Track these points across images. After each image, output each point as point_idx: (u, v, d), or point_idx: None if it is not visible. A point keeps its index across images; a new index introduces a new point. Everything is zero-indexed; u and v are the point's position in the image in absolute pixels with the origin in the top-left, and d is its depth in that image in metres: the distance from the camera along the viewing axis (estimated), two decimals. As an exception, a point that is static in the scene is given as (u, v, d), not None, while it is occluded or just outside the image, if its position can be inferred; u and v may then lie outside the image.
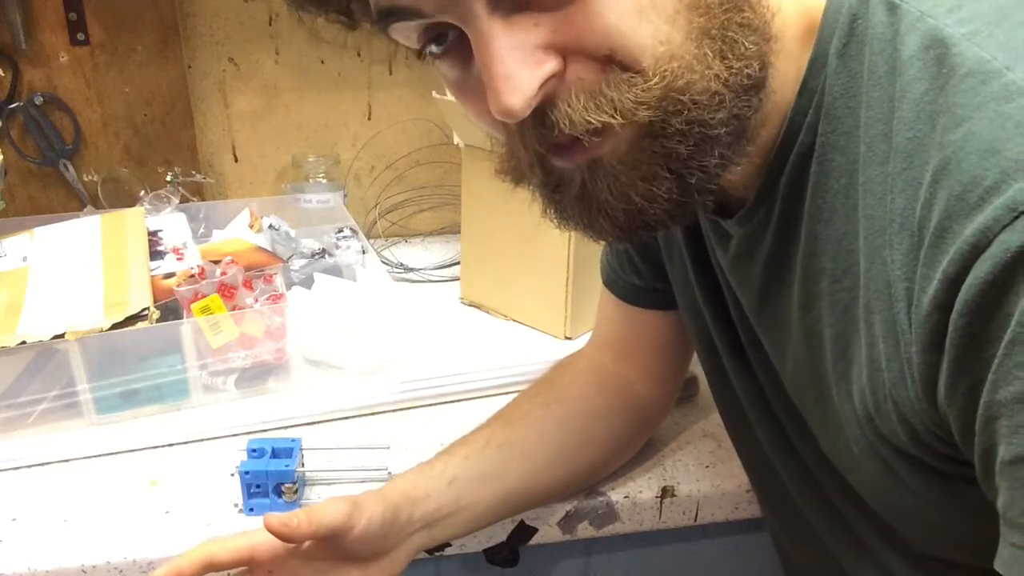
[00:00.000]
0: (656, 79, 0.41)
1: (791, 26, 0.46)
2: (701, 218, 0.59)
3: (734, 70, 0.42)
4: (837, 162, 0.46)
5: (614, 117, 0.42)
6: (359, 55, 1.25)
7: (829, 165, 0.46)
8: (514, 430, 0.72)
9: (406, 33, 0.45)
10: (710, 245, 0.60)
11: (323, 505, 0.60)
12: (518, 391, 0.88)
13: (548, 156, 0.46)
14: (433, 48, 0.45)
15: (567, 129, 0.42)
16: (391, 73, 1.27)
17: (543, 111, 0.43)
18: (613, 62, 0.41)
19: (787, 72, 0.46)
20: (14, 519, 0.74)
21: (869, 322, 0.44)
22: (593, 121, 0.42)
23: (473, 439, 0.72)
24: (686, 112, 0.42)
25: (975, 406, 0.38)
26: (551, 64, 0.41)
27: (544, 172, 0.47)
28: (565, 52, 0.42)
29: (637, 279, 0.74)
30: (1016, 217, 0.35)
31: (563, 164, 0.46)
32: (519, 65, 0.41)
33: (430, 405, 0.92)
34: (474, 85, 0.45)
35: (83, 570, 0.70)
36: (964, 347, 0.38)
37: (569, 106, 0.42)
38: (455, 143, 1.08)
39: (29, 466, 0.81)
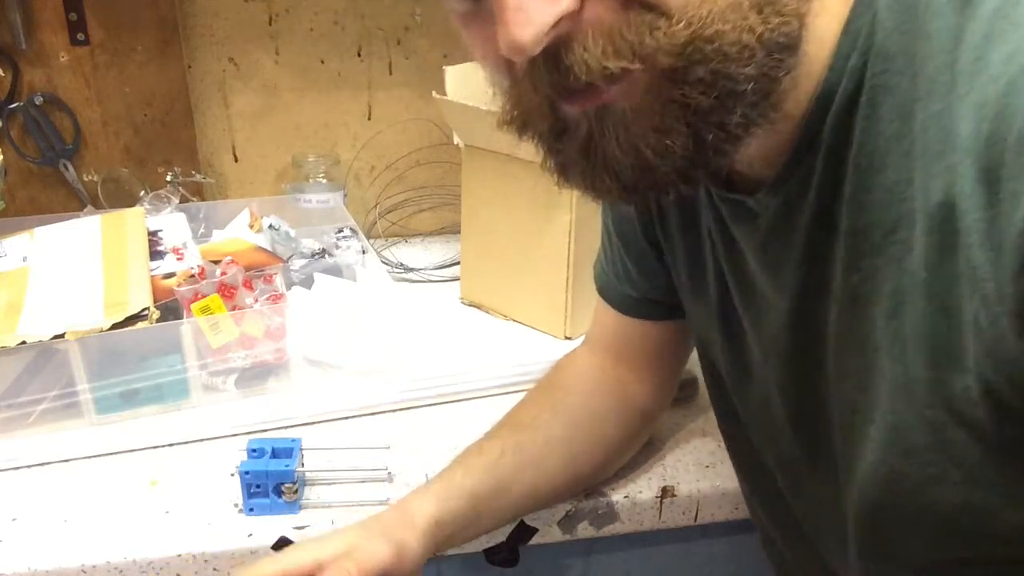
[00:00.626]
0: (682, 24, 0.38)
1: None
2: (710, 206, 0.56)
3: (771, 26, 0.39)
4: (888, 104, 0.42)
5: (633, 63, 0.39)
6: (359, 55, 1.25)
7: (879, 109, 0.42)
8: (524, 435, 0.72)
9: None
10: (717, 237, 0.57)
11: (366, 550, 0.59)
12: (518, 391, 0.88)
13: (557, 101, 0.43)
14: None
15: (583, 75, 0.40)
16: (391, 73, 1.27)
17: (557, 54, 0.40)
18: (637, 1, 0.39)
19: (826, 28, 0.43)
20: (14, 519, 0.74)
21: (937, 269, 0.40)
22: (611, 67, 0.39)
23: (488, 448, 0.71)
24: (711, 63, 0.39)
25: None
26: (567, 1, 0.38)
27: (551, 119, 0.44)
28: None
29: (631, 290, 0.74)
30: None
31: (571, 110, 0.43)
32: None
33: (430, 405, 0.92)
34: (484, 18, 0.42)
35: (83, 570, 0.70)
36: None
37: (585, 49, 0.39)
38: (455, 143, 1.08)
39: (29, 466, 0.81)
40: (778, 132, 0.46)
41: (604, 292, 0.77)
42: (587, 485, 0.78)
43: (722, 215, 0.55)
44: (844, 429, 0.51)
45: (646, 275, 0.71)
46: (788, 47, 0.41)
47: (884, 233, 0.43)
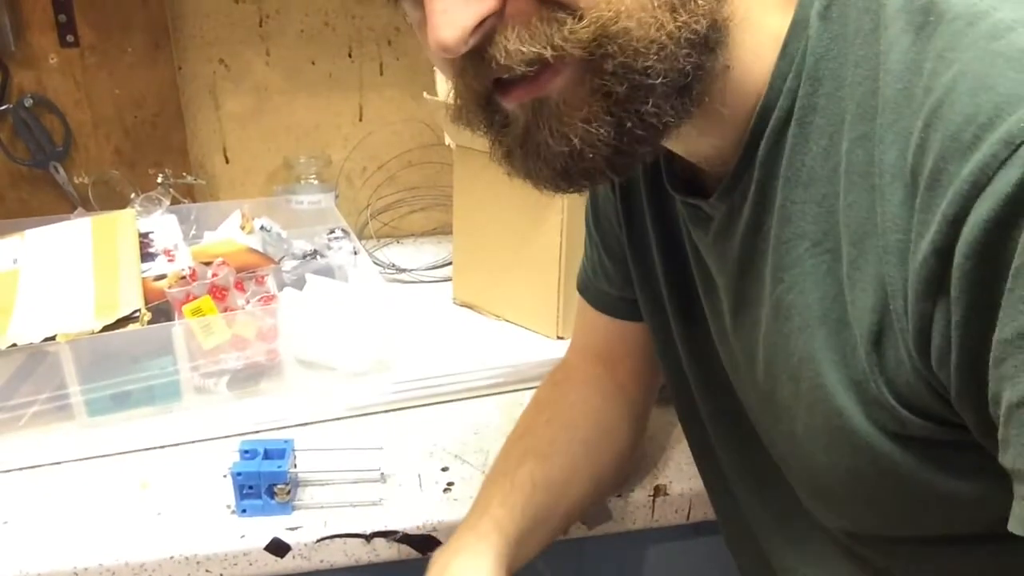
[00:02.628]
0: (585, 21, 0.41)
1: None
2: (679, 208, 0.58)
3: (679, 23, 0.42)
4: (817, 124, 0.45)
5: (546, 49, 0.42)
6: (350, 56, 1.25)
7: (808, 128, 0.46)
8: (552, 466, 0.70)
9: None
10: (686, 234, 0.59)
11: None
12: (511, 391, 0.88)
13: (494, 95, 0.46)
14: None
15: (502, 60, 0.43)
16: (382, 74, 1.27)
17: (482, 48, 0.43)
18: (550, 1, 0.42)
19: (762, 40, 0.46)
20: (5, 522, 0.74)
21: (855, 280, 0.44)
22: (526, 51, 0.42)
23: (520, 482, 0.68)
24: (618, 57, 0.42)
25: (982, 350, 0.37)
26: (489, 1, 0.42)
27: (490, 112, 0.47)
28: None
29: (610, 288, 0.74)
30: (1014, 151, 0.34)
31: (508, 104, 0.46)
32: (456, 1, 0.42)
33: (423, 405, 0.92)
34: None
35: (75, 572, 0.70)
36: (970, 290, 0.37)
37: (505, 38, 0.43)
38: (447, 144, 1.08)
39: (20, 469, 0.81)
40: (728, 138, 0.49)
41: (586, 292, 0.78)
42: (612, 492, 0.78)
43: (685, 217, 0.58)
44: (782, 431, 0.53)
45: (622, 271, 0.72)
46: (701, 44, 0.43)
47: (812, 243, 0.46)
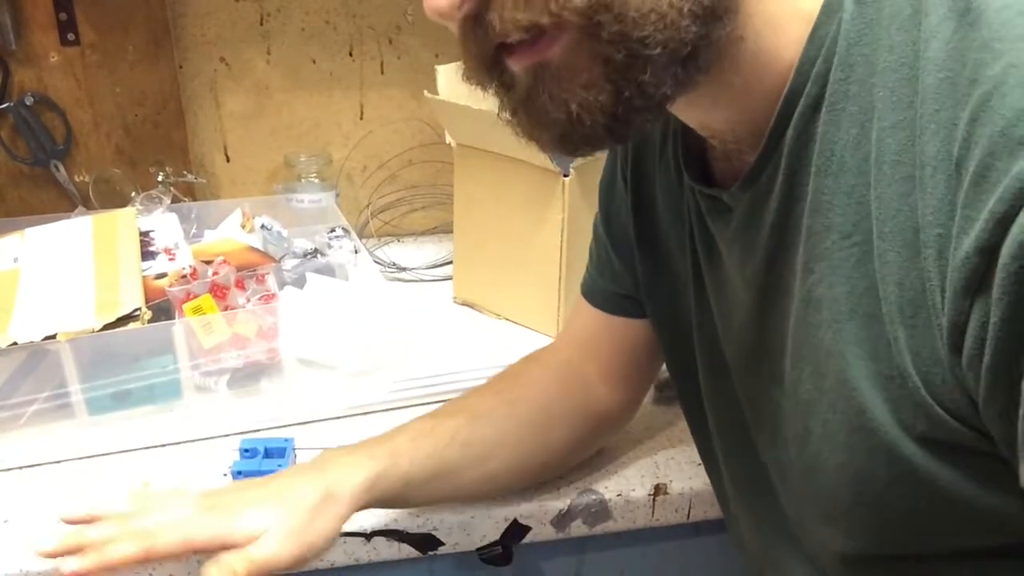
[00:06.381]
0: None
1: None
2: (692, 200, 0.58)
3: None
4: (848, 112, 0.44)
5: (542, 16, 0.42)
6: (351, 55, 1.25)
7: (839, 115, 0.44)
8: (477, 428, 0.71)
9: None
10: (694, 223, 0.59)
11: (274, 552, 0.59)
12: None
13: (500, 55, 0.46)
14: None
15: (498, 27, 0.43)
16: (383, 72, 1.27)
17: (480, 13, 0.44)
18: None
19: (783, 13, 0.45)
20: (6, 520, 0.74)
21: (887, 274, 0.42)
22: (521, 19, 0.42)
23: (440, 432, 0.70)
24: (614, 25, 0.41)
25: (1018, 354, 0.36)
26: None
27: (496, 72, 0.47)
28: None
29: (617, 287, 0.73)
30: None
31: (513, 66, 0.46)
32: None
33: (423, 404, 0.91)
34: None
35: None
36: (1015, 291, 0.35)
37: (502, 5, 0.43)
38: (447, 142, 1.08)
39: (21, 467, 0.81)
40: (744, 115, 0.48)
41: (587, 293, 0.77)
42: (532, 483, 0.78)
43: (701, 209, 0.57)
44: (796, 430, 0.52)
45: (631, 271, 0.71)
46: (706, 15, 0.42)
47: (840, 236, 0.45)
